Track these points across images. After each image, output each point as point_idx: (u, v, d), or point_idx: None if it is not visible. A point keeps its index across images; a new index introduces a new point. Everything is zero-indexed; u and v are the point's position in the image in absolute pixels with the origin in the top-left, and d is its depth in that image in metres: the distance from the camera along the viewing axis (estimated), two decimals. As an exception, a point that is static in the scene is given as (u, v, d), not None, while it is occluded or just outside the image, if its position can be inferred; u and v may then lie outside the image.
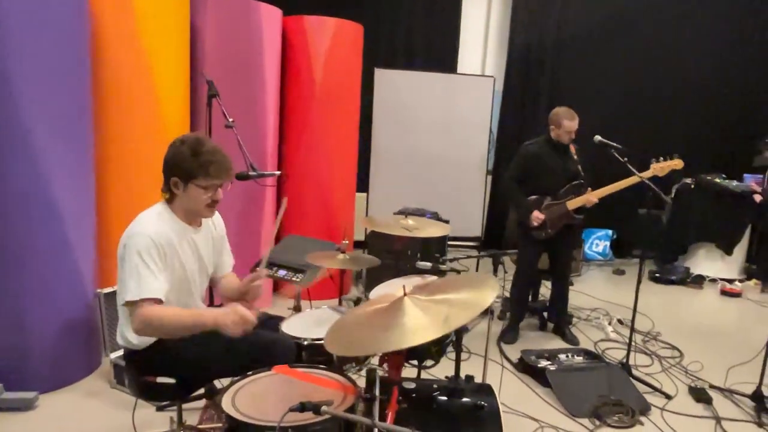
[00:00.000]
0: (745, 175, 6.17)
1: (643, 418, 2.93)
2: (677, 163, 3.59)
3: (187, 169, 1.87)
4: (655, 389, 3.25)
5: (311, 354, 2.07)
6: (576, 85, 6.35)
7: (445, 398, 1.88)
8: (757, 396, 3.10)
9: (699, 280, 5.80)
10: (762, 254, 6.04)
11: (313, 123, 4.38)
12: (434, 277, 2.34)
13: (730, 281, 5.77)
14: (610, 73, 6.45)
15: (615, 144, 3.41)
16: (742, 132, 6.43)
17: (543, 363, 3.35)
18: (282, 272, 2.63)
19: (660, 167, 3.57)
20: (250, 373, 1.76)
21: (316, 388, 1.68)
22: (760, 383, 3.11)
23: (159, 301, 1.81)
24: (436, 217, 4.49)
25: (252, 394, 1.65)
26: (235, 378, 1.72)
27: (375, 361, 2.09)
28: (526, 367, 3.39)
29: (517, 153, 3.86)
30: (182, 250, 1.96)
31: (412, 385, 1.96)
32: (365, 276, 4.54)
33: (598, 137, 3.50)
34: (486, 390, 2.03)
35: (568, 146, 3.78)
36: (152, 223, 1.88)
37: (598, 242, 6.62)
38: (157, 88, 3.22)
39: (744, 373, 3.55)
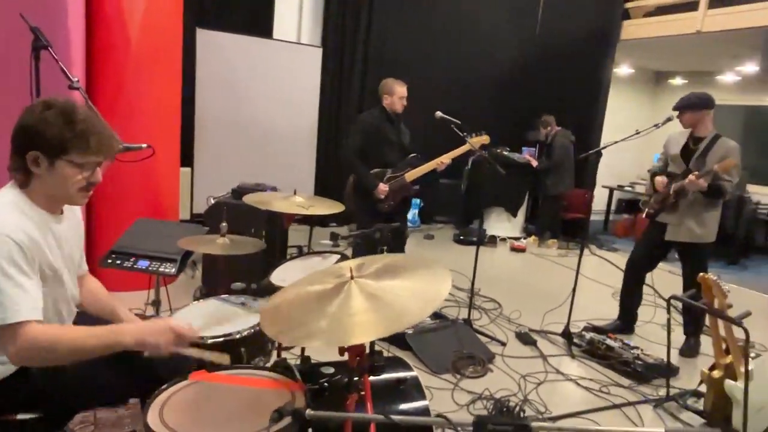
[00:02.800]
0: (522, 147, 7.25)
1: (491, 366, 3.31)
2: (485, 138, 3.97)
3: (56, 141, 1.44)
4: (492, 339, 3.69)
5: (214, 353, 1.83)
6: (394, 58, 6.63)
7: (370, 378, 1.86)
8: (566, 333, 3.74)
9: (493, 240, 6.70)
10: (537, 215, 7.23)
11: (128, 87, 3.78)
12: (336, 257, 2.26)
13: (516, 239, 6.81)
14: (425, 50, 6.88)
15: (454, 120, 3.69)
16: (523, 111, 7.50)
17: (400, 328, 3.52)
18: (143, 263, 2.25)
19: (474, 141, 3.89)
20: (164, 386, 1.49)
21: (256, 390, 1.50)
22: (568, 323, 3.77)
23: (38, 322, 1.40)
24: (275, 191, 4.30)
25: (181, 409, 1.41)
26: (154, 394, 1.44)
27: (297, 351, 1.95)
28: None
29: (355, 125, 3.90)
30: (48, 247, 1.53)
31: (331, 370, 1.90)
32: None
33: (439, 113, 3.74)
34: (400, 362, 2.07)
35: (401, 119, 3.92)
36: (8, 218, 1.43)
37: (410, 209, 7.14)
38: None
39: (553, 315, 4.24)
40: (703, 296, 2.84)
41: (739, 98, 8.07)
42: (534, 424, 0.87)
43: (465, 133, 3.65)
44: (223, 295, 2.14)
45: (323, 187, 5.86)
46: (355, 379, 1.50)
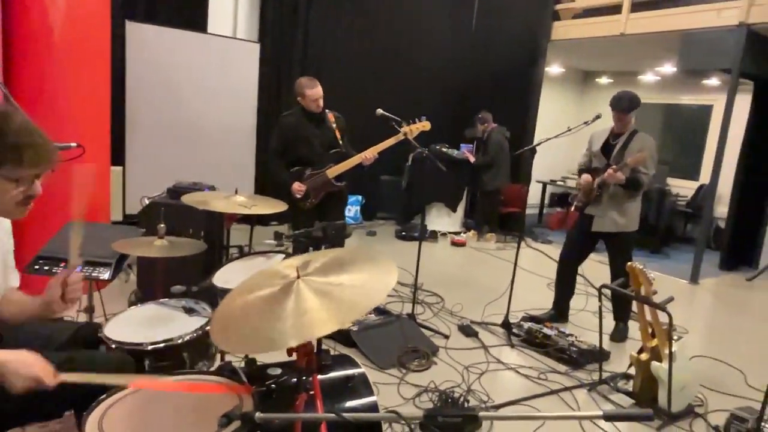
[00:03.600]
0: (461, 144, 7.40)
1: (435, 359, 3.37)
2: (426, 125, 3.93)
3: None
4: (436, 332, 3.76)
5: (155, 360, 1.77)
6: (333, 54, 6.59)
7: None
8: (505, 324, 3.87)
9: (434, 235, 6.82)
10: (476, 210, 7.41)
11: (51, 81, 3.56)
12: (280, 256, 2.23)
13: (456, 234, 6.96)
14: (364, 47, 6.88)
15: (395, 117, 3.73)
16: (461, 108, 7.66)
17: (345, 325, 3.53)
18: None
19: (410, 129, 3.87)
20: (102, 397, 1.43)
21: (201, 396, 1.47)
22: (507, 314, 3.90)
23: None
24: (213, 190, 4.19)
25: (122, 419, 1.35)
26: (91, 406, 1.38)
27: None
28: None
29: (276, 126, 3.89)
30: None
31: (278, 370, 1.88)
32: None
33: (379, 110, 3.76)
34: (347, 360, 2.08)
35: (325, 115, 3.90)
36: None
37: (350, 207, 7.13)
38: None
39: (493, 307, 4.37)
40: (631, 284, 3.02)
41: (659, 97, 8.60)
42: (481, 413, 0.90)
43: (400, 120, 3.66)
44: (162, 299, 2.07)
45: (264, 186, 5.75)
46: (304, 378, 1.50)
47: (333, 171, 3.86)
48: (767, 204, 6.65)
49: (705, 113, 8.23)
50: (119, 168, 4.64)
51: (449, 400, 2.62)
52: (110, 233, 2.32)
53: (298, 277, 1.51)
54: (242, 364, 1.82)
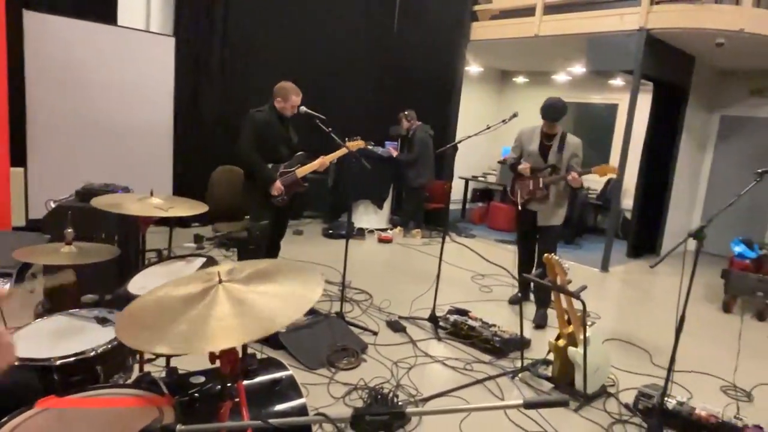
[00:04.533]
0: (386, 142, 7.47)
1: (364, 356, 3.39)
2: (361, 143, 4.21)
3: None
4: (364, 329, 3.77)
5: (65, 376, 1.65)
6: (253, 51, 6.43)
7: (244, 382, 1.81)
8: (432, 318, 3.95)
9: (361, 232, 6.84)
10: (401, 206, 7.50)
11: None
12: (201, 260, 2.14)
13: (383, 230, 7.02)
14: (285, 45, 6.77)
15: (319, 115, 3.70)
16: (385, 106, 7.71)
17: (272, 327, 3.46)
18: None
19: (352, 145, 4.07)
20: (4, 419, 1.32)
21: (118, 411, 1.39)
22: (434, 308, 3.99)
23: None
24: (127, 191, 3.97)
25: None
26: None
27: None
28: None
29: (247, 122, 3.89)
30: None
31: (201, 378, 1.82)
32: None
33: (303, 108, 3.75)
34: (274, 363, 2.04)
35: (290, 118, 4.01)
36: None
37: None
38: None
39: (420, 301, 4.45)
40: (548, 274, 3.17)
41: (570, 95, 9.07)
42: (408, 410, 0.91)
43: (330, 129, 3.69)
44: (72, 310, 1.93)
45: (184, 186, 5.52)
46: (228, 385, 1.45)
47: (302, 171, 4.02)
48: (667, 196, 7.22)
49: (612, 112, 8.80)
50: (20, 169, 4.29)
51: (379, 397, 2.64)
52: (11, 240, 2.14)
53: (220, 281, 1.47)
54: (163, 375, 1.75)
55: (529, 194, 4.17)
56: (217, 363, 1.40)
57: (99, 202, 2.35)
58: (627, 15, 5.89)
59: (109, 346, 1.70)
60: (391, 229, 7.10)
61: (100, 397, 1.45)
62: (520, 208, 4.25)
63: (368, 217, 7.13)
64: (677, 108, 6.98)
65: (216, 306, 1.39)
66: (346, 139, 4.04)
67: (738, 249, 5.33)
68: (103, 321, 1.87)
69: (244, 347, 2.02)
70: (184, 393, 1.68)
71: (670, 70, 6.52)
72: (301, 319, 3.63)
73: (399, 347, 3.59)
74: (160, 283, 1.64)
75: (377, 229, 7.04)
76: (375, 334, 3.75)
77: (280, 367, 1.98)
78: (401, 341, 3.69)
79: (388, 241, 6.71)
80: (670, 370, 2.70)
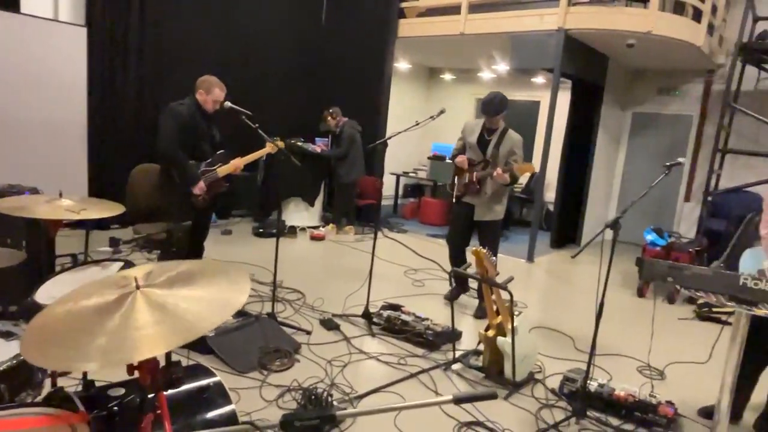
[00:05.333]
0: (316, 138, 7.39)
1: (298, 356, 3.33)
2: (281, 144, 4.05)
3: None
4: (297, 329, 3.71)
5: (-37, 395, 1.51)
6: (174, 43, 6.15)
7: (166, 392, 1.72)
8: (365, 314, 3.95)
9: (293, 230, 6.73)
10: (333, 203, 7.45)
11: None
12: (118, 265, 2.01)
13: (315, 228, 6.94)
14: (207, 36, 6.52)
15: (245, 111, 3.59)
16: (315, 102, 7.62)
17: (200, 332, 3.33)
18: None
19: (272, 146, 3.94)
20: None
21: (24, 432, 1.27)
22: (367, 304, 3.98)
23: None
24: (36, 192, 3.69)
25: None
26: None
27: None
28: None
29: (168, 116, 3.68)
30: None
31: (121, 391, 1.71)
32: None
33: (228, 103, 3.62)
34: (200, 369, 1.95)
35: (213, 114, 3.84)
36: None
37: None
38: None
39: (353, 298, 4.43)
40: (477, 267, 3.25)
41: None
42: (338, 412, 0.89)
43: (257, 125, 3.59)
44: (-31, 324, 1.76)
45: (100, 187, 5.20)
46: (149, 397, 1.37)
47: (223, 170, 3.87)
48: (586, 189, 7.61)
49: (534, 108, 9.16)
50: None
51: (313, 397, 2.60)
52: None
53: (137, 287, 1.39)
54: (79, 389, 1.63)
55: (464, 187, 4.25)
56: (136, 374, 1.31)
57: (2, 204, 2.16)
58: (547, 15, 6.14)
59: (14, 362, 1.56)
60: (323, 227, 7.04)
61: (3, 419, 1.33)
62: (454, 200, 4.33)
63: (299, 214, 7.03)
64: (594, 105, 7.36)
65: (135, 314, 1.30)
66: (274, 138, 3.92)
67: (650, 237, 5.70)
68: (6, 335, 1.72)
69: (168, 354, 1.93)
70: (101, 407, 1.58)
71: (587, 69, 6.86)
72: (231, 322, 3.51)
73: (333, 345, 3.56)
74: (66, 289, 1.52)
75: (309, 227, 6.96)
76: (308, 333, 3.70)
77: (207, 373, 1.90)
78: (335, 339, 3.66)
79: (320, 238, 6.64)
80: (591, 354, 2.85)
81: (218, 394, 1.82)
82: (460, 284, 4.62)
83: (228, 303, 1.38)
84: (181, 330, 1.27)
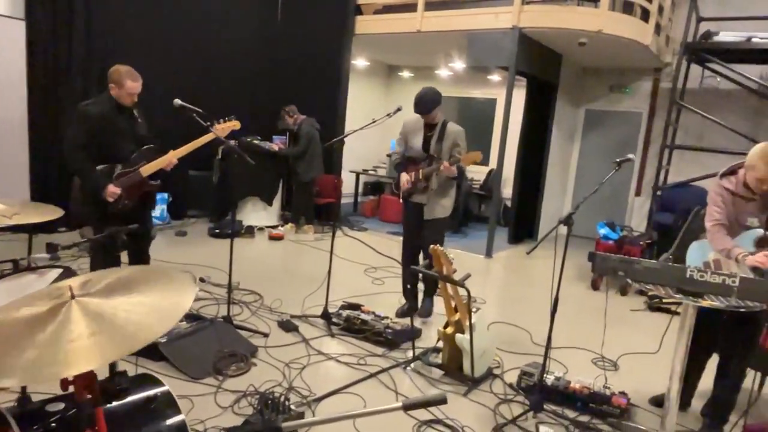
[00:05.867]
0: (273, 136, 7.27)
1: (255, 360, 3.26)
2: (236, 124, 3.84)
3: None
4: (254, 332, 3.63)
5: None
6: (123, 39, 5.93)
7: (110, 405, 1.64)
8: (324, 314, 3.90)
9: (251, 230, 6.60)
10: (292, 202, 7.35)
11: None
12: (57, 272, 1.90)
13: (274, 227, 6.83)
14: (158, 32, 6.31)
15: (195, 108, 3.46)
16: (272, 99, 7.50)
17: (151, 338, 3.21)
18: None
19: (221, 128, 3.71)
20: None
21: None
22: (326, 305, 3.93)
23: None
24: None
25: None
26: None
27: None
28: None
29: (77, 115, 3.40)
30: None
31: (60, 405, 1.62)
32: None
33: (178, 101, 3.47)
34: (147, 379, 1.87)
35: (134, 108, 3.57)
36: None
37: (156, 206, 6.54)
38: None
39: (312, 298, 4.37)
40: (434, 265, 3.25)
41: (453, 90, 9.43)
42: (284, 424, 0.85)
43: (209, 123, 3.46)
44: None
45: (44, 189, 4.95)
46: (88, 412, 1.30)
47: (147, 169, 3.53)
48: (542, 185, 7.76)
49: (491, 106, 9.27)
50: None
51: (269, 402, 2.54)
52: None
53: (72, 297, 1.31)
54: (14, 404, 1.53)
55: (410, 186, 4.07)
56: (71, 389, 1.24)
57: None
58: (501, 14, 6.21)
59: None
60: (282, 226, 6.93)
61: None
62: (401, 200, 4.19)
63: (257, 214, 6.90)
64: (548, 102, 7.50)
65: (69, 325, 1.23)
66: (209, 124, 3.57)
67: (603, 231, 5.85)
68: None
69: (112, 365, 1.84)
70: (38, 424, 1.49)
71: (541, 67, 6.99)
72: (184, 326, 3.41)
73: (291, 347, 3.50)
74: (5, 301, 1.43)
75: (267, 227, 6.84)
76: (266, 336, 3.62)
77: (155, 383, 1.82)
78: (293, 341, 3.60)
79: (279, 238, 6.54)
80: (547, 348, 2.89)
81: (166, 405, 1.74)
82: (413, 298, 4.26)
83: (171, 309, 1.32)
84: (120, 341, 1.21)
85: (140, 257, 3.77)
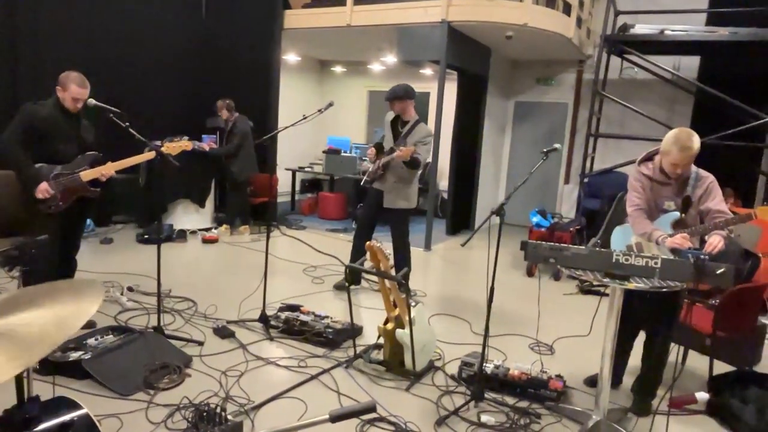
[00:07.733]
0: (203, 135, 6.99)
1: (189, 371, 3.11)
2: (187, 144, 3.91)
3: None
4: (188, 341, 3.48)
5: None
6: (49, 35, 5.55)
7: (20, 434, 1.50)
8: (262, 318, 3.79)
9: (182, 235, 6.34)
10: (226, 203, 7.11)
11: None
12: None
13: (207, 230, 6.59)
14: (82, 28, 5.94)
15: (112, 108, 3.28)
16: (199, 97, 7.23)
17: (73, 355, 3.00)
18: None
19: (172, 146, 3.77)
20: None
21: None
22: (264, 308, 3.83)
23: None
24: None
25: None
26: None
27: None
28: (52, 366, 2.95)
29: (20, 113, 3.34)
30: None
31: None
32: None
33: (92, 100, 3.31)
34: (63, 403, 1.72)
35: (80, 114, 3.52)
36: None
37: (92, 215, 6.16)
38: None
39: (249, 302, 4.24)
40: (371, 261, 3.22)
41: (386, 85, 9.37)
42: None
43: (118, 112, 3.30)
44: None
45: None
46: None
47: (87, 174, 3.47)
48: (476, 176, 7.91)
49: (424, 100, 9.33)
50: None
51: (205, 414, 2.43)
52: None
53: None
54: None
55: (371, 174, 4.53)
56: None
57: None
58: (430, 8, 6.24)
59: None
60: (216, 228, 6.70)
61: None
62: (362, 183, 4.62)
63: (189, 217, 6.64)
64: (479, 95, 7.64)
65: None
66: (166, 140, 3.67)
67: (535, 219, 6.02)
68: None
69: (20, 390, 1.68)
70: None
71: (471, 61, 7.09)
72: (111, 340, 3.21)
73: (228, 355, 3.37)
74: None
75: (200, 230, 6.59)
76: (200, 344, 3.47)
77: (71, 406, 1.68)
78: (230, 348, 3.47)
79: (213, 241, 6.32)
80: (485, 337, 2.92)
81: (85, 429, 1.61)
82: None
83: (73, 317, 1.23)
84: (17, 354, 1.11)
85: (66, 265, 3.67)
